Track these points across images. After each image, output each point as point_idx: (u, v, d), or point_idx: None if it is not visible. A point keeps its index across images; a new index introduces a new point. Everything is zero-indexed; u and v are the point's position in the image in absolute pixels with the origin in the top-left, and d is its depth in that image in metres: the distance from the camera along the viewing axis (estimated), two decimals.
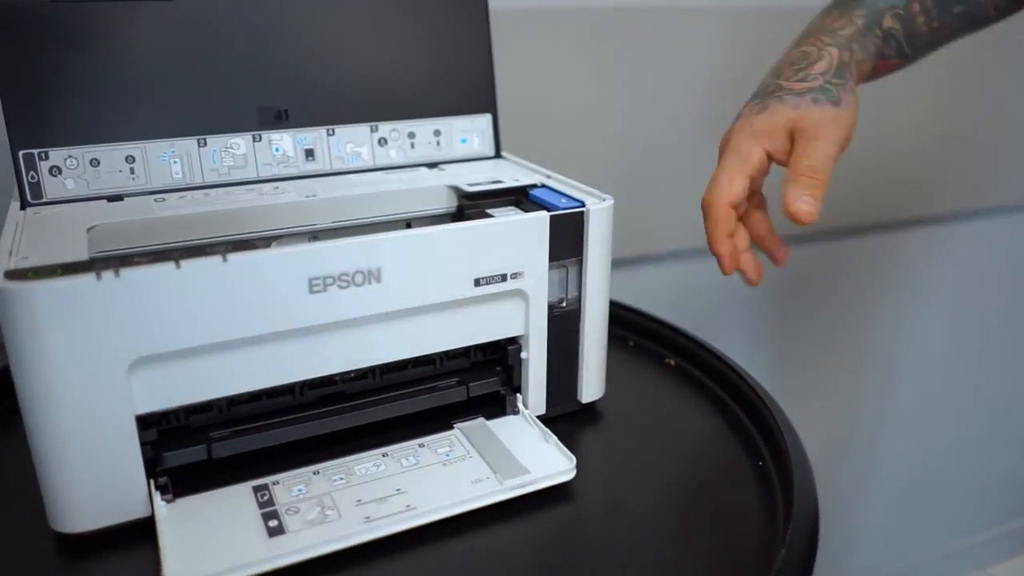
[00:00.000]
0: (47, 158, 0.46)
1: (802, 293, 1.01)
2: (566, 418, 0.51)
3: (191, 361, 0.39)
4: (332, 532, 0.39)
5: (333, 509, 0.40)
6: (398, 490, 0.42)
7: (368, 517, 0.40)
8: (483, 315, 0.46)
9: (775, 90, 0.52)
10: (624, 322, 0.62)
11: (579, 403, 0.51)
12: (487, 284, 0.45)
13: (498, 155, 0.59)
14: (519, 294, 0.46)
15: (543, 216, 0.45)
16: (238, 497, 0.41)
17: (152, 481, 0.40)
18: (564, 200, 0.49)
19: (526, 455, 0.45)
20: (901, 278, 1.08)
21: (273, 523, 0.39)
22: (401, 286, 0.42)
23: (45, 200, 0.47)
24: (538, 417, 0.50)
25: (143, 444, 0.40)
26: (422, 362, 0.48)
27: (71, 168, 0.47)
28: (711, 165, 0.52)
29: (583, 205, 0.47)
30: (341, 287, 0.41)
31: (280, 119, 0.52)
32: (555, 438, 0.46)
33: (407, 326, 0.44)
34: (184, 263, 0.37)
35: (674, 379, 0.57)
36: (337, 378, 0.45)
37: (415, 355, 0.45)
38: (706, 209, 0.51)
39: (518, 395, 0.49)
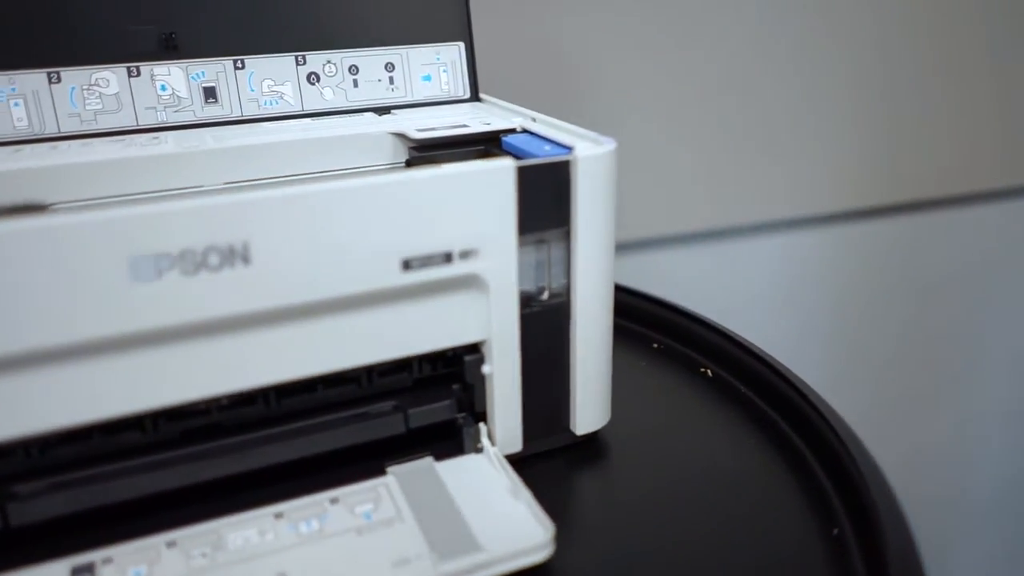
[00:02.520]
0: None
1: (865, 278, 0.83)
2: (553, 457, 0.36)
3: None
4: None
5: None
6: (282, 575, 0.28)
7: None
8: (422, 313, 0.32)
9: None
10: (645, 317, 0.47)
11: (572, 435, 0.36)
12: (422, 268, 0.30)
13: (475, 97, 0.44)
14: (474, 282, 0.32)
15: (505, 166, 0.31)
16: None
17: None
18: (548, 147, 0.34)
19: (483, 518, 0.31)
20: (979, 258, 0.89)
21: None
22: (282, 270, 0.28)
23: None
24: (511, 457, 0.35)
25: None
26: (339, 380, 0.34)
27: None
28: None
29: (570, 151, 0.32)
30: (185, 272, 0.27)
31: (166, 46, 0.38)
32: (528, 493, 0.31)
33: (303, 330, 0.30)
34: None
35: (711, 395, 0.41)
36: (207, 406, 0.32)
37: (318, 373, 0.31)
38: None
39: (482, 426, 0.35)
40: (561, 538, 0.30)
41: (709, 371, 0.43)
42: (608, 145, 0.33)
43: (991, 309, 0.92)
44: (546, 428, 0.36)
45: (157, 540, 0.30)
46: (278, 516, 0.31)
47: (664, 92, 0.66)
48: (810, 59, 0.70)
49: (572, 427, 0.36)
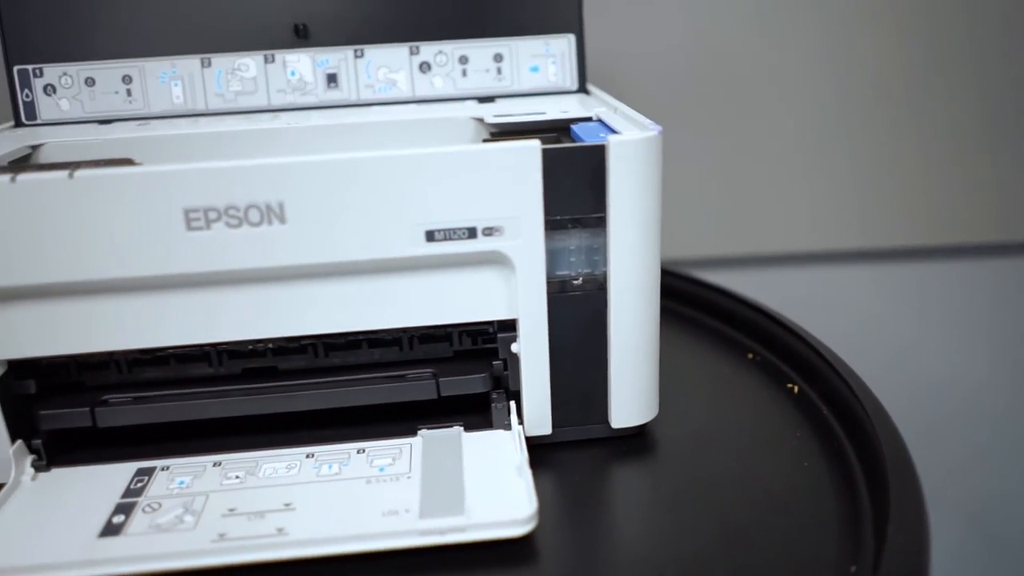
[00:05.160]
0: (41, 75, 0.42)
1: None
2: (586, 448, 0.36)
3: (59, 302, 0.32)
4: (167, 546, 0.29)
5: (195, 515, 0.31)
6: (287, 505, 0.31)
7: (222, 535, 0.30)
8: (451, 284, 0.33)
9: None
10: (746, 324, 0.45)
11: (609, 427, 0.36)
12: (445, 240, 0.32)
13: (582, 89, 0.45)
14: (500, 259, 0.33)
15: (531, 147, 0.31)
16: (114, 478, 0.33)
17: (24, 443, 0.34)
18: (603, 134, 0.34)
19: (482, 489, 0.31)
20: None
21: (118, 519, 0.31)
22: (313, 231, 0.31)
23: (40, 121, 0.43)
24: (541, 438, 0.35)
25: (17, 395, 0.33)
26: (383, 342, 0.36)
27: (66, 87, 0.42)
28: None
29: (606, 137, 0.32)
30: (230, 225, 0.31)
31: (298, 35, 0.43)
32: (529, 472, 0.32)
33: (339, 289, 0.33)
34: (21, 177, 0.30)
35: (787, 412, 0.38)
36: (266, 348, 0.36)
37: (352, 329, 0.34)
38: None
39: (512, 404, 0.36)
40: (556, 526, 0.30)
41: (796, 388, 0.40)
42: (650, 131, 0.32)
43: None
44: (579, 416, 0.36)
45: (207, 459, 0.34)
46: (309, 456, 0.34)
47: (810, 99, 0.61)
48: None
49: (609, 419, 0.36)
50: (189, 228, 0.31)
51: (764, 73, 0.60)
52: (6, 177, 0.30)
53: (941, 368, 0.68)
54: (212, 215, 0.31)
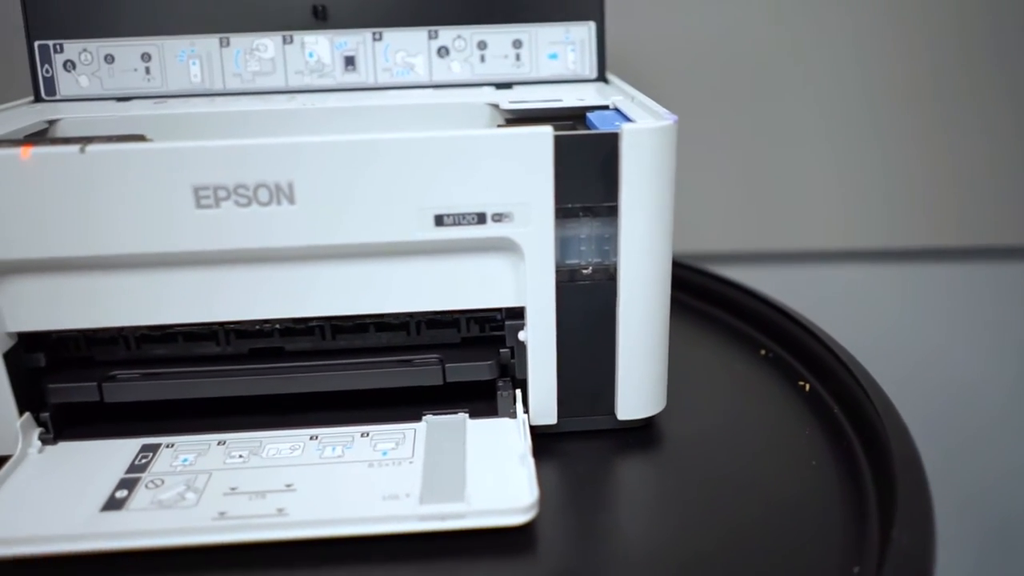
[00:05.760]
0: (61, 51, 0.43)
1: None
2: (591, 439, 0.36)
3: (68, 277, 0.32)
4: (167, 522, 0.29)
5: (197, 493, 0.31)
6: (288, 486, 0.31)
7: (223, 513, 0.30)
8: (459, 270, 0.33)
9: None
10: (759, 320, 0.44)
11: (615, 419, 0.35)
12: (454, 225, 0.32)
13: (601, 78, 0.44)
14: (509, 246, 0.32)
15: (542, 133, 0.31)
16: (120, 453, 0.33)
17: (32, 416, 0.34)
18: (618, 123, 0.33)
19: (482, 475, 0.31)
20: None
21: (121, 494, 0.31)
22: (322, 212, 0.31)
23: (58, 97, 0.43)
24: (546, 428, 0.35)
25: (26, 369, 0.34)
26: (390, 326, 0.36)
27: (85, 64, 0.43)
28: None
29: (619, 126, 0.32)
30: (239, 203, 0.31)
31: (317, 16, 0.43)
32: (531, 461, 0.31)
33: (347, 271, 0.33)
34: (34, 151, 0.30)
35: (799, 410, 0.38)
36: (272, 329, 0.36)
37: (359, 312, 0.34)
38: None
39: (518, 392, 0.35)
40: (558, 518, 0.30)
41: (807, 385, 0.39)
42: (664, 120, 0.32)
43: None
44: (587, 407, 0.35)
45: (212, 438, 0.34)
46: (313, 438, 0.34)
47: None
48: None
49: (615, 411, 0.35)
50: (198, 206, 0.31)
51: (787, 65, 0.59)
52: (18, 150, 0.30)
53: (959, 370, 0.67)
54: (221, 193, 0.30)
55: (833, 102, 0.60)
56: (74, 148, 0.30)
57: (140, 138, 0.32)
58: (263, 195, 0.31)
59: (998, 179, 0.61)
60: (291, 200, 0.31)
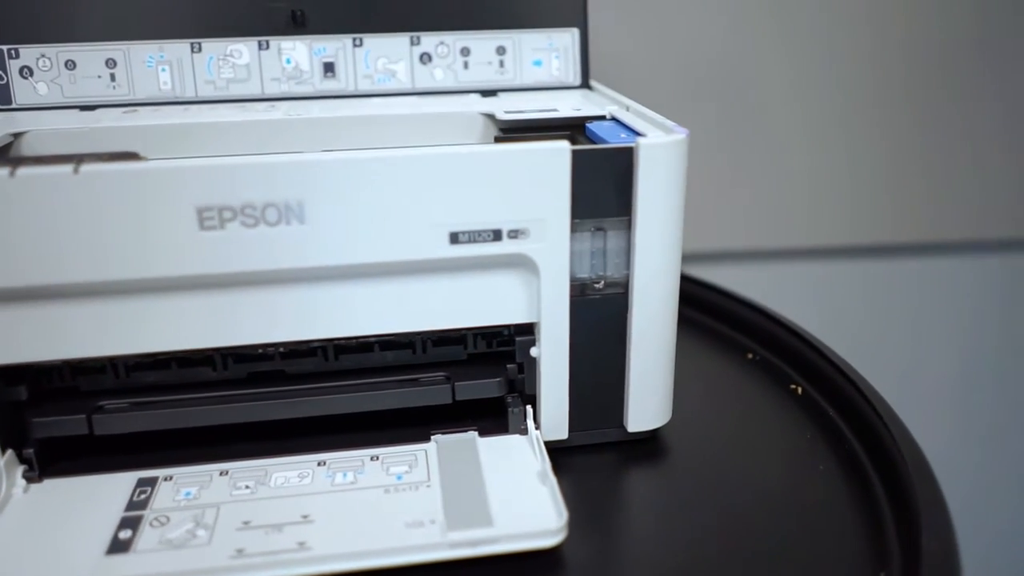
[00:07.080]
0: (17, 56, 0.40)
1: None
2: (602, 451, 0.35)
3: (59, 305, 0.30)
4: (183, 563, 0.28)
5: (207, 529, 0.29)
6: (305, 517, 0.30)
7: (240, 551, 0.28)
8: (472, 287, 0.33)
9: None
10: (744, 324, 0.45)
11: (624, 431, 0.35)
12: (470, 243, 0.31)
13: (585, 84, 0.44)
14: (524, 262, 0.32)
15: (560, 148, 0.30)
16: (114, 489, 0.32)
17: (15, 453, 0.32)
18: (624, 135, 0.33)
19: (504, 496, 0.31)
20: None
21: (125, 534, 0.29)
22: (334, 231, 0.30)
23: (14, 106, 0.40)
24: (557, 443, 0.35)
25: (7, 403, 0.31)
26: (396, 345, 0.35)
27: (44, 70, 0.40)
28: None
29: (635, 139, 0.31)
30: (246, 224, 0.29)
31: (294, 22, 0.41)
32: (554, 480, 0.31)
33: (357, 291, 0.32)
34: (21, 171, 0.28)
35: (794, 414, 0.39)
36: (274, 351, 0.34)
37: (369, 334, 0.33)
38: None
39: (528, 409, 0.35)
40: (582, 535, 0.29)
41: (799, 388, 0.40)
42: (677, 134, 0.32)
43: None
44: (597, 420, 0.35)
45: (213, 468, 0.33)
46: (321, 464, 0.33)
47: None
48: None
49: (625, 423, 0.35)
50: (202, 228, 0.29)
51: (766, 70, 0.61)
52: (4, 171, 0.27)
53: (943, 366, 0.70)
54: (227, 214, 0.29)
55: (810, 102, 0.62)
56: (66, 168, 0.28)
57: (133, 155, 0.30)
58: (271, 215, 0.29)
59: (984, 175, 0.64)
60: (301, 220, 0.29)
